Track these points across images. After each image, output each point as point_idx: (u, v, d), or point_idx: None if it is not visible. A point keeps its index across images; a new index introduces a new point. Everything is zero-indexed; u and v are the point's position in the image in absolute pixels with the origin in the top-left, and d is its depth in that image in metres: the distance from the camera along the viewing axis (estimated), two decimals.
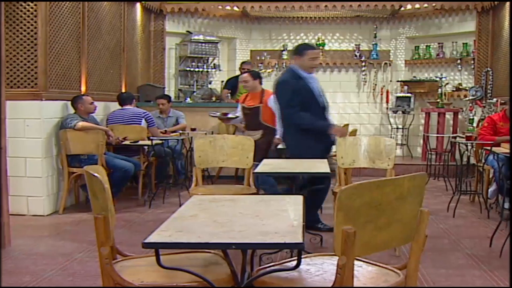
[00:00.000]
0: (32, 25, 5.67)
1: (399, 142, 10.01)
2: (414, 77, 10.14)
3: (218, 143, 4.75)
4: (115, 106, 7.26)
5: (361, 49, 10.40)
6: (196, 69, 9.91)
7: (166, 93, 8.87)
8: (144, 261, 2.51)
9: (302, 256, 2.31)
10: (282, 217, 2.27)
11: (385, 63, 10.28)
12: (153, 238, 1.88)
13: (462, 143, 6.41)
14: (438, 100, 9.22)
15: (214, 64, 10.16)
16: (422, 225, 2.13)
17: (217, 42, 10.05)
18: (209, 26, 10.19)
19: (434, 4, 9.52)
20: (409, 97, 9.70)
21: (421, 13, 9.91)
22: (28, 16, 5.66)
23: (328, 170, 3.81)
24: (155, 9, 9.34)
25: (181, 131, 7.43)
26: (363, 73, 10.35)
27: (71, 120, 5.89)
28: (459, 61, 9.66)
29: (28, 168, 5.71)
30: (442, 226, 5.30)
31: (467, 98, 9.03)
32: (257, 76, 6.26)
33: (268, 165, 4.07)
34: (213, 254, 2.53)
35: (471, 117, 8.75)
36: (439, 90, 9.29)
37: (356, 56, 10.41)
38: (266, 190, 5.31)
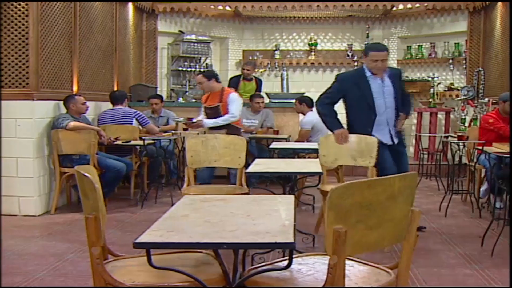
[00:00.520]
0: (23, 24, 5.64)
1: None
2: (406, 76, 10.15)
3: (210, 143, 4.75)
4: (106, 106, 7.23)
5: (353, 49, 10.42)
6: (189, 69, 9.90)
7: (158, 93, 8.87)
8: (135, 261, 2.51)
9: (294, 256, 2.32)
10: (274, 217, 2.27)
11: None
12: (144, 238, 1.87)
13: (454, 142, 6.44)
14: (430, 100, 9.26)
15: (206, 64, 10.15)
16: (414, 224, 2.14)
17: (209, 42, 10.05)
18: (201, 25, 10.18)
19: (426, 4, 9.56)
20: None
21: (413, 13, 9.95)
22: (20, 16, 5.63)
23: (320, 170, 3.81)
24: (147, 8, 9.32)
25: (173, 131, 7.43)
26: None
27: (62, 120, 5.86)
28: (451, 61, 9.70)
29: (20, 168, 5.68)
30: (434, 226, 5.32)
31: (459, 98, 9.07)
32: (211, 76, 6.22)
33: (260, 165, 4.07)
34: (204, 254, 2.52)
35: (463, 117, 8.79)
36: (431, 89, 9.34)
37: (348, 56, 10.43)
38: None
